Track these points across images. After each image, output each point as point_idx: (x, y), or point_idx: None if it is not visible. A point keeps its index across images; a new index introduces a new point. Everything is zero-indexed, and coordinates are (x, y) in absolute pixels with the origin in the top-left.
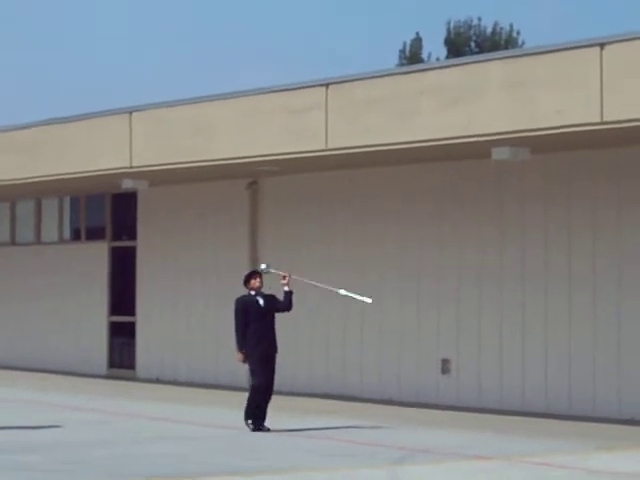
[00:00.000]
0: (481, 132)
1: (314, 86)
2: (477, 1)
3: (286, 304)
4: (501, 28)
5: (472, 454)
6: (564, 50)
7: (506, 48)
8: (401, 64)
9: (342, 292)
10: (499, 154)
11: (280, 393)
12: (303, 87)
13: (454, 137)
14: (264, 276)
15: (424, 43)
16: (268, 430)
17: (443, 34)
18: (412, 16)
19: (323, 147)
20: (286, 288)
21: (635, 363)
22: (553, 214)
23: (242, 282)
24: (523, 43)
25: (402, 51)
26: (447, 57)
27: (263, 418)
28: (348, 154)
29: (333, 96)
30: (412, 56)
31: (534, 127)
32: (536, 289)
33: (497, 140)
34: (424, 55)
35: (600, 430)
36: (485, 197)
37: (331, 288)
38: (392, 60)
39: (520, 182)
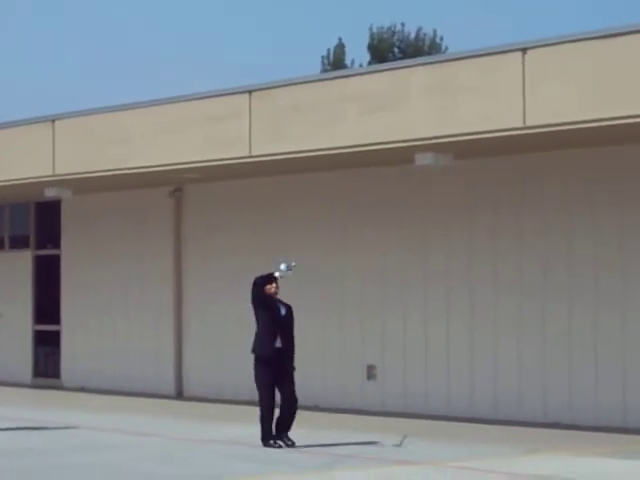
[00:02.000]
0: (404, 138)
1: (237, 93)
2: (400, 7)
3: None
4: (424, 34)
5: (398, 459)
6: (486, 55)
7: (429, 54)
8: (324, 70)
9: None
10: (422, 160)
11: (208, 401)
12: (226, 94)
13: (377, 143)
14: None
15: (347, 49)
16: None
17: (366, 40)
18: (335, 22)
19: (247, 154)
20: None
21: (560, 366)
22: (477, 219)
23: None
24: (446, 48)
25: (325, 57)
26: (370, 63)
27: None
28: (272, 161)
29: (256, 103)
30: (335, 62)
31: (457, 132)
32: (461, 293)
33: (420, 146)
34: (347, 61)
35: (526, 434)
36: (409, 202)
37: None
38: (315, 67)
39: (444, 188)
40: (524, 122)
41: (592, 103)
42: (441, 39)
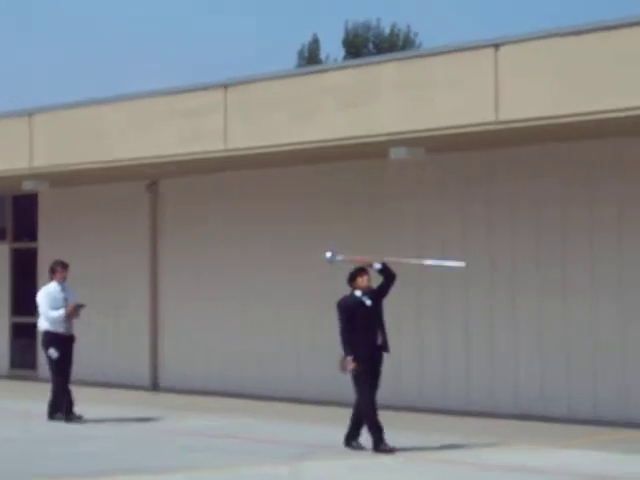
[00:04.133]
0: (378, 132)
1: (213, 87)
2: (375, 3)
3: (389, 280)
4: (399, 29)
5: (372, 450)
6: (459, 51)
7: (404, 49)
8: (300, 65)
9: (428, 262)
10: (396, 154)
11: (175, 391)
12: (202, 88)
13: (352, 137)
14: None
15: (322, 44)
16: (392, 450)
17: (341, 35)
18: (310, 18)
19: (222, 148)
20: (377, 265)
21: (530, 358)
22: (449, 213)
23: (347, 281)
24: (420, 44)
25: (300, 52)
26: (345, 58)
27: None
28: (248, 155)
29: (232, 97)
30: (310, 57)
31: (431, 127)
32: (432, 289)
33: (394, 140)
34: (322, 56)
35: (497, 426)
36: (383, 196)
37: (415, 261)
38: (291, 62)
39: (418, 181)
40: (496, 117)
41: (563, 98)
42: (415, 35)
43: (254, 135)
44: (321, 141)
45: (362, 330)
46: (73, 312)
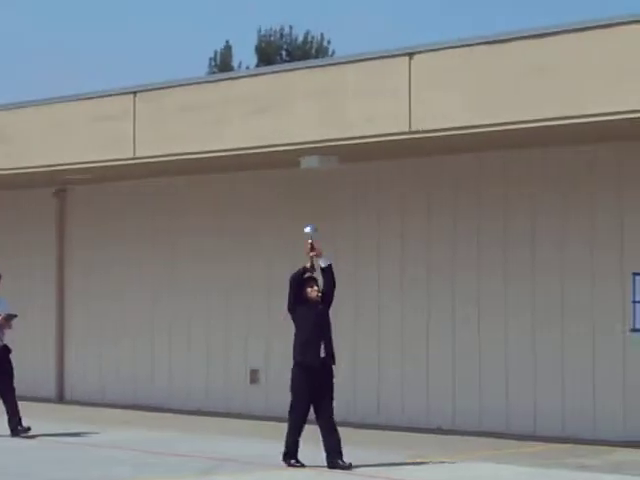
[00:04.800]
0: (290, 141)
1: (122, 94)
2: (288, 10)
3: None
4: (312, 37)
5: (281, 464)
6: (373, 59)
7: (317, 57)
8: (212, 72)
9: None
10: (308, 163)
11: (86, 404)
12: (111, 95)
13: (263, 146)
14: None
15: (235, 51)
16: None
17: (254, 42)
18: (222, 24)
19: (131, 156)
20: (322, 263)
21: (441, 373)
22: (363, 223)
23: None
24: (334, 52)
25: (212, 59)
26: (258, 65)
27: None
28: (157, 162)
29: (141, 104)
30: (222, 64)
31: (343, 136)
32: (343, 298)
33: (306, 149)
34: (235, 63)
35: (409, 439)
36: (296, 206)
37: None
38: (202, 68)
39: (330, 190)
40: (409, 126)
41: (476, 109)
42: (329, 43)
43: (163, 143)
44: (231, 149)
45: (306, 336)
46: (4, 323)
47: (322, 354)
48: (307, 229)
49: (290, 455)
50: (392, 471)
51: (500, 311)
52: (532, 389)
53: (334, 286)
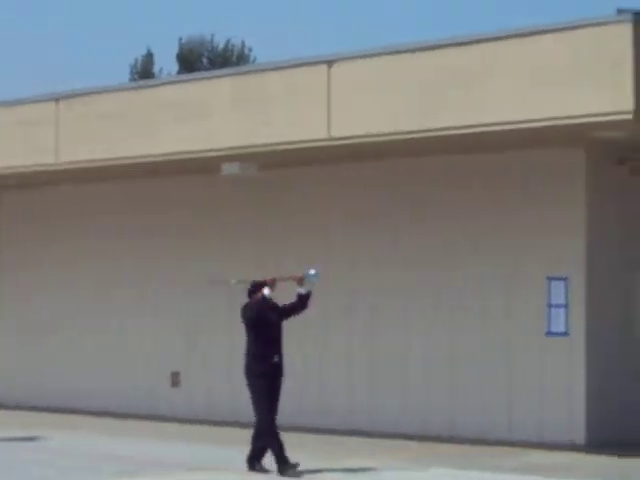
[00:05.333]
0: (211, 147)
1: (45, 100)
2: (210, 18)
3: (302, 307)
4: (233, 45)
5: (201, 466)
6: (293, 67)
7: (238, 64)
8: (133, 79)
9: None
10: (229, 169)
11: (7, 408)
12: (34, 101)
13: (185, 152)
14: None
15: (156, 58)
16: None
17: (175, 49)
18: (143, 31)
19: (54, 161)
20: (303, 290)
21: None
22: (278, 225)
23: (248, 293)
24: (255, 59)
25: (133, 66)
26: (179, 72)
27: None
28: (80, 169)
29: (64, 110)
30: (143, 71)
31: (263, 143)
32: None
33: (227, 155)
34: (156, 70)
35: (332, 440)
36: (217, 211)
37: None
38: (124, 75)
39: (250, 196)
40: (329, 133)
41: (392, 116)
42: (250, 50)
43: (86, 149)
44: (154, 155)
45: (264, 342)
46: None
47: (275, 359)
48: (312, 271)
49: (257, 458)
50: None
51: (419, 314)
52: (450, 391)
53: (301, 311)
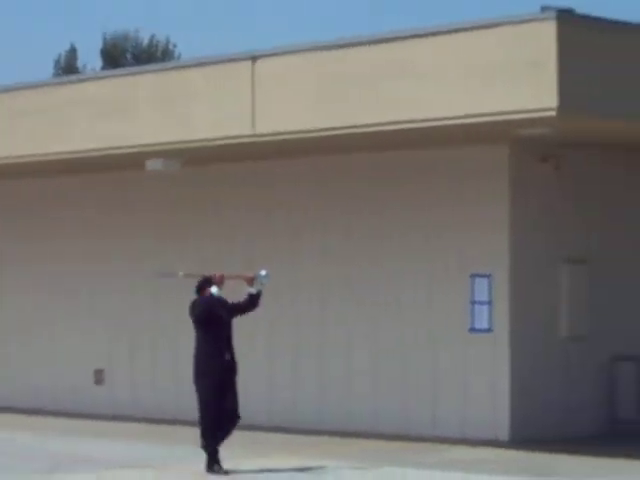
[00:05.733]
0: (134, 143)
1: None
2: (134, 14)
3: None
4: (157, 41)
5: (126, 463)
6: (217, 63)
7: (162, 60)
8: (57, 74)
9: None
10: (153, 165)
11: None
12: None
13: (108, 148)
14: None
15: (80, 54)
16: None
17: (99, 45)
18: (68, 27)
19: None
20: (253, 290)
21: (284, 369)
22: (203, 222)
23: (196, 290)
24: (179, 55)
25: (57, 62)
26: (103, 68)
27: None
28: (2, 164)
29: None
30: (67, 67)
31: (187, 139)
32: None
33: (151, 152)
34: (80, 65)
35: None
36: (141, 207)
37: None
38: (48, 71)
39: (174, 192)
40: (253, 129)
41: (318, 112)
42: (174, 46)
43: (10, 144)
44: (76, 152)
45: (214, 340)
46: None
47: (227, 357)
48: (263, 272)
49: (215, 461)
50: (236, 466)
51: (341, 309)
52: (373, 387)
53: (252, 310)
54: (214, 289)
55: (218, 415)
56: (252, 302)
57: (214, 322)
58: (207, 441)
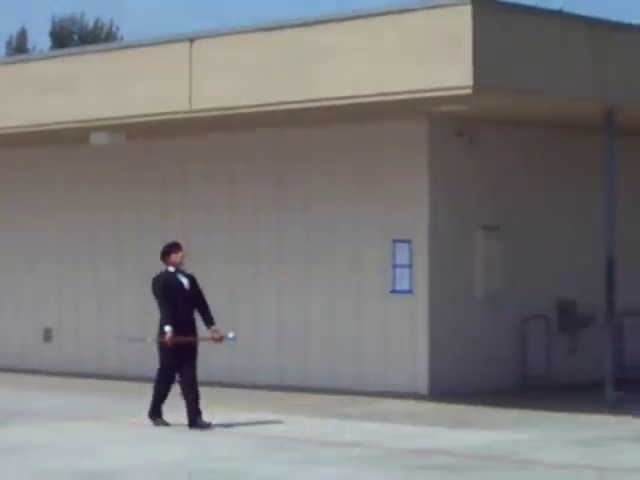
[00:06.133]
0: (79, 118)
1: None
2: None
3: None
4: (102, 24)
5: (73, 415)
6: (157, 44)
7: (106, 41)
8: (9, 54)
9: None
10: (97, 139)
11: None
12: None
13: (55, 123)
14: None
15: (30, 36)
16: (209, 425)
17: (49, 28)
18: (19, 10)
19: None
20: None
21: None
22: (147, 197)
23: (160, 256)
24: (122, 37)
25: (9, 43)
26: (51, 49)
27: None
28: None
29: None
30: (18, 47)
31: (129, 114)
32: (133, 265)
33: (95, 127)
34: (30, 46)
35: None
36: (83, 181)
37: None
38: (0, 51)
39: (117, 165)
40: (190, 106)
41: (252, 90)
42: (117, 29)
43: None
44: (21, 127)
45: (176, 308)
46: None
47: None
48: (231, 335)
49: (157, 414)
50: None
51: (272, 271)
52: (303, 344)
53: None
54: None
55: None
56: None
57: (174, 295)
58: (157, 390)
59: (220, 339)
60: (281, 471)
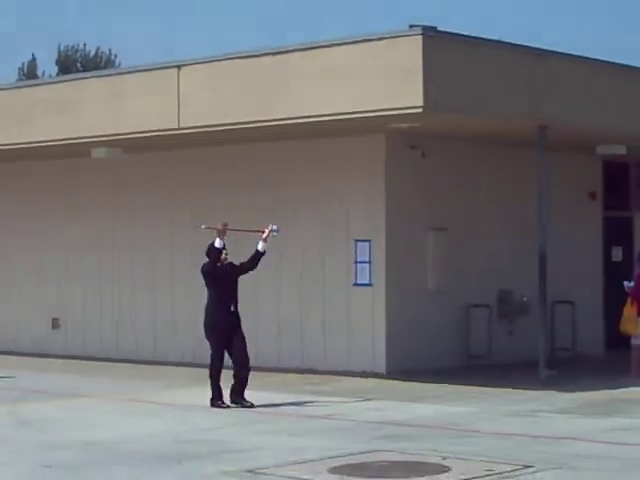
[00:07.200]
0: (82, 135)
1: None
2: (83, 30)
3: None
4: (102, 52)
5: (79, 393)
6: (149, 70)
7: (106, 68)
8: (20, 79)
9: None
10: (97, 153)
11: None
12: None
13: (61, 139)
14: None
15: (39, 63)
16: (251, 405)
17: (55, 56)
18: (29, 41)
19: None
20: (262, 248)
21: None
22: (136, 200)
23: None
24: (119, 64)
25: (21, 69)
26: (58, 74)
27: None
28: None
29: None
30: (29, 73)
31: (125, 132)
32: (124, 261)
33: (95, 142)
34: (39, 72)
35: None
36: (85, 189)
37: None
38: (12, 76)
39: (115, 176)
40: (178, 124)
41: (233, 110)
42: (115, 56)
43: None
44: (35, 142)
45: (219, 296)
46: None
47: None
48: (275, 227)
49: (217, 398)
50: (156, 396)
51: None
52: (277, 329)
53: (254, 268)
54: (217, 242)
55: (219, 363)
56: (255, 260)
57: (219, 280)
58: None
59: (267, 235)
60: (260, 441)
